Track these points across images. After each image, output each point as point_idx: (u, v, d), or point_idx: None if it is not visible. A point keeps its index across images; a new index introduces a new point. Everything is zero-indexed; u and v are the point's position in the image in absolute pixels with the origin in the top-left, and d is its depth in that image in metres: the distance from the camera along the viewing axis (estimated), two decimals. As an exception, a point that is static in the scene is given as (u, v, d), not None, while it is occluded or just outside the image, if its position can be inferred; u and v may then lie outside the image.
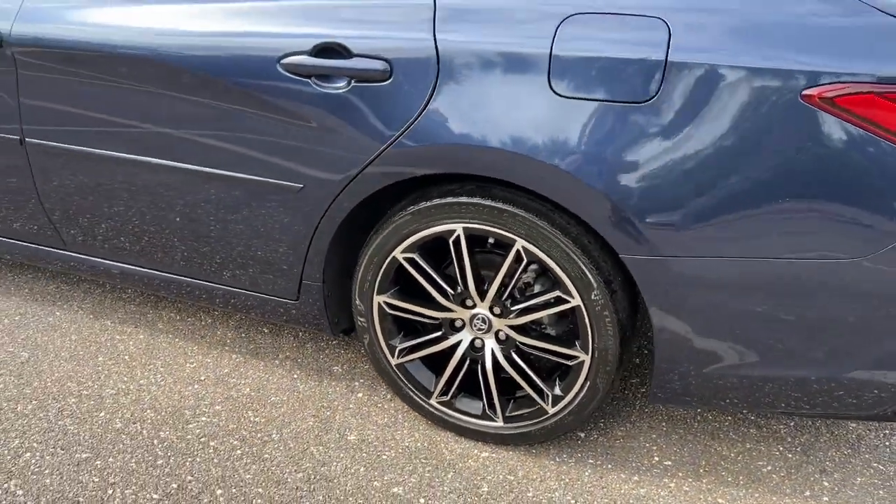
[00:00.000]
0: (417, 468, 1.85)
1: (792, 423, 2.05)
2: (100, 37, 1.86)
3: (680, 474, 1.86)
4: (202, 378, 2.18)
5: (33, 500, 1.74)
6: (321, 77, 1.66)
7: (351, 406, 2.07)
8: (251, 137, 1.76)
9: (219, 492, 1.78)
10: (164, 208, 1.99)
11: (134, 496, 1.76)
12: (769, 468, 1.89)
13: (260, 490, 1.78)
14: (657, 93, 1.44)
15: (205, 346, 2.34)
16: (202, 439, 1.94)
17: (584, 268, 1.61)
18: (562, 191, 1.54)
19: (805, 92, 1.37)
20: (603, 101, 1.47)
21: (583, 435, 1.98)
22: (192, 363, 2.25)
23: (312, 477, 1.82)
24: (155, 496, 1.77)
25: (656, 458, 1.91)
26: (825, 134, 1.39)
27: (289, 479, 1.81)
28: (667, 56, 1.43)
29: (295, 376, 2.19)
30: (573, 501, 1.76)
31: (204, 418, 2.02)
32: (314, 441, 1.94)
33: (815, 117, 1.38)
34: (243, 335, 2.40)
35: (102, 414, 2.03)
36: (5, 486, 1.78)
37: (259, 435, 1.96)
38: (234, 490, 1.78)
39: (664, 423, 2.04)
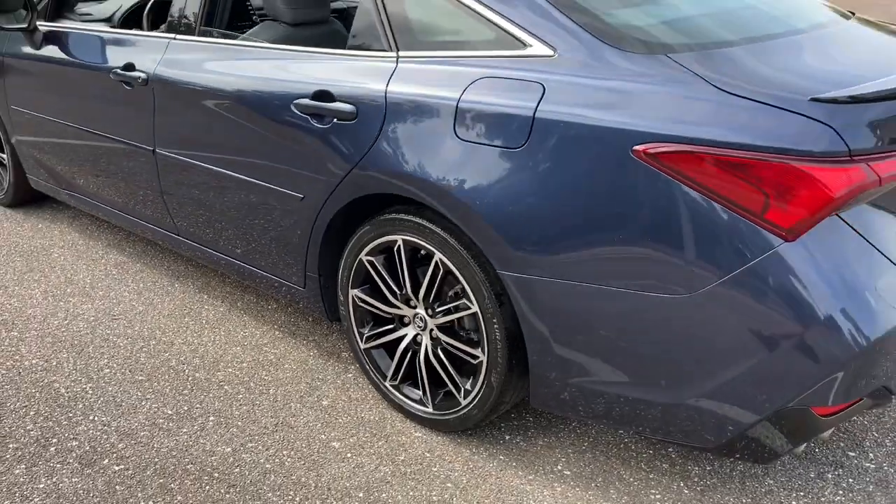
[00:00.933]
0: (360, 433, 2.28)
1: (708, 466, 2.17)
2: (203, 80, 2.58)
3: (572, 483, 2.09)
4: (245, 343, 2.80)
5: (96, 395, 2.44)
6: (314, 116, 2.22)
7: (338, 381, 2.55)
8: (280, 157, 2.36)
9: (211, 419, 2.35)
10: (225, 207, 2.65)
11: (154, 408, 2.39)
12: (659, 499, 2.05)
13: (239, 423, 2.33)
14: (526, 141, 1.80)
15: (262, 322, 2.96)
16: (220, 383, 2.54)
17: (479, 280, 1.97)
18: (460, 214, 1.93)
19: (635, 147, 1.66)
20: (489, 145, 1.86)
21: (507, 437, 2.28)
22: (245, 332, 2.88)
23: (281, 423, 2.33)
24: (168, 412, 2.38)
25: (559, 467, 2.16)
26: (649, 184, 1.66)
27: (263, 420, 2.34)
28: (535, 113, 1.79)
29: (311, 354, 2.72)
30: (465, 481, 2.08)
31: (230, 369, 2.62)
32: (296, 400, 2.45)
33: (643, 170, 1.66)
34: (291, 320, 2.98)
35: (167, 355, 2.72)
36: (82, 386, 2.50)
37: (260, 388, 2.51)
38: (222, 419, 2.34)
39: (587, 442, 2.27)
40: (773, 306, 1.62)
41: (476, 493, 2.06)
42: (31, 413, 2.43)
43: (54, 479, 2.13)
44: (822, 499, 2.06)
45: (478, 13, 2.00)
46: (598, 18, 1.92)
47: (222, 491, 2.08)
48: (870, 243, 1.68)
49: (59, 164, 3.47)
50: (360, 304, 2.35)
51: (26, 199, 4.11)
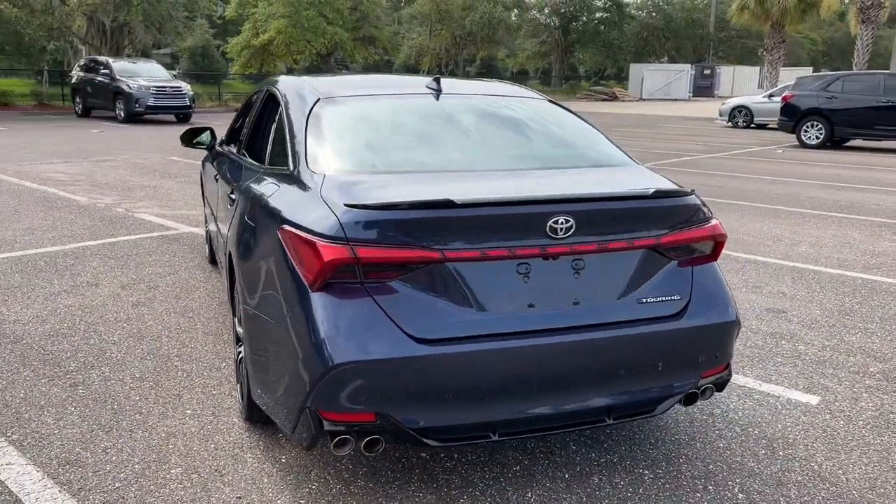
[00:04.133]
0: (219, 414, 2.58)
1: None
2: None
3: (302, 479, 2.38)
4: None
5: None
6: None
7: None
8: None
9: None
10: None
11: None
12: None
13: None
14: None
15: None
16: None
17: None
18: None
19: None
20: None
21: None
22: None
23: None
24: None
25: (314, 474, 2.45)
26: (280, 248, 2.68)
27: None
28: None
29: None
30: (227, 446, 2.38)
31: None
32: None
33: (278, 239, 2.65)
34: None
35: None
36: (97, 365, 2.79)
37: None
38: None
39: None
40: (300, 329, 2.43)
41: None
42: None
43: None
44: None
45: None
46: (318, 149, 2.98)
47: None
48: (378, 305, 2.40)
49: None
50: None
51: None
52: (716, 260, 2.92)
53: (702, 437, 3.26)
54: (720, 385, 2.98)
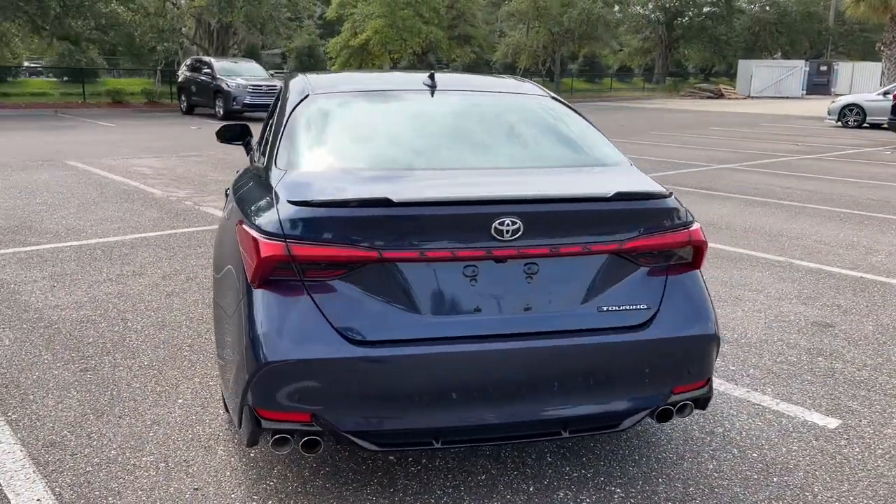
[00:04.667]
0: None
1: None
2: None
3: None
4: (180, 345, 3.16)
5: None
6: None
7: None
8: None
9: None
10: None
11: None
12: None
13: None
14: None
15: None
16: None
17: None
18: None
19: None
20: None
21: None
22: (186, 335, 3.24)
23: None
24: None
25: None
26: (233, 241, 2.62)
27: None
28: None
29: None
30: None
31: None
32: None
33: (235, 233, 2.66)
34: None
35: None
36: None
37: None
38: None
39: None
40: (242, 325, 2.41)
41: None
42: None
43: None
44: None
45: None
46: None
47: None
48: (315, 304, 2.36)
49: None
50: None
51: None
52: (697, 268, 2.72)
53: (691, 457, 3.05)
54: (701, 402, 2.78)
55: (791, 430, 3.30)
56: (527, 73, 47.69)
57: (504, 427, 2.53)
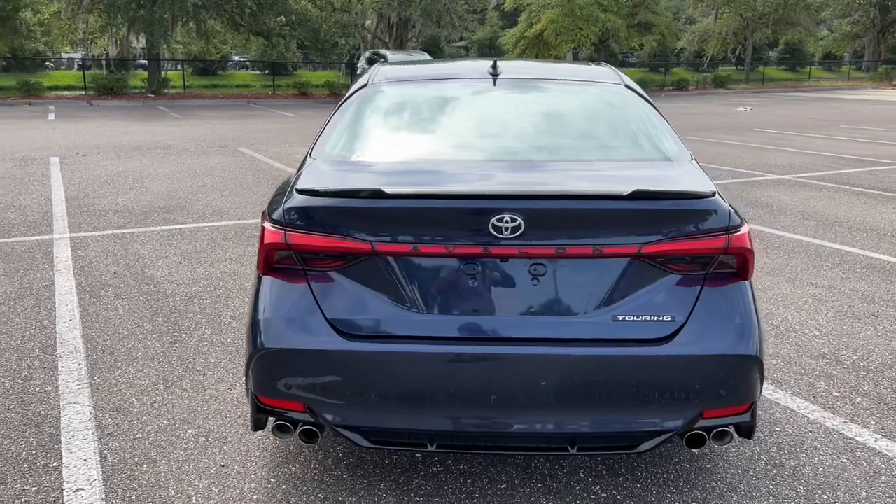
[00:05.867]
0: (251, 414, 2.64)
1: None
2: None
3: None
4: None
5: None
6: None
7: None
8: None
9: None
10: None
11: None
12: None
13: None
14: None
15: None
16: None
17: None
18: None
19: None
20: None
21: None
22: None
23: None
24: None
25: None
26: None
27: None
28: None
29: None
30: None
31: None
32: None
33: None
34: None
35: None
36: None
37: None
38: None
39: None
40: (250, 312, 2.46)
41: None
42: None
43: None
44: None
45: None
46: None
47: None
48: (312, 294, 2.35)
49: None
50: None
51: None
52: (746, 279, 2.40)
53: (746, 491, 2.70)
54: (745, 430, 2.46)
55: (882, 472, 2.84)
56: (714, 62, 45.04)
57: (504, 437, 2.38)
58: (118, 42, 27.61)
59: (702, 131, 16.54)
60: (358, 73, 25.68)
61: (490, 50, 50.80)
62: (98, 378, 3.61)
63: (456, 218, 2.28)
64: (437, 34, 35.59)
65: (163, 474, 2.79)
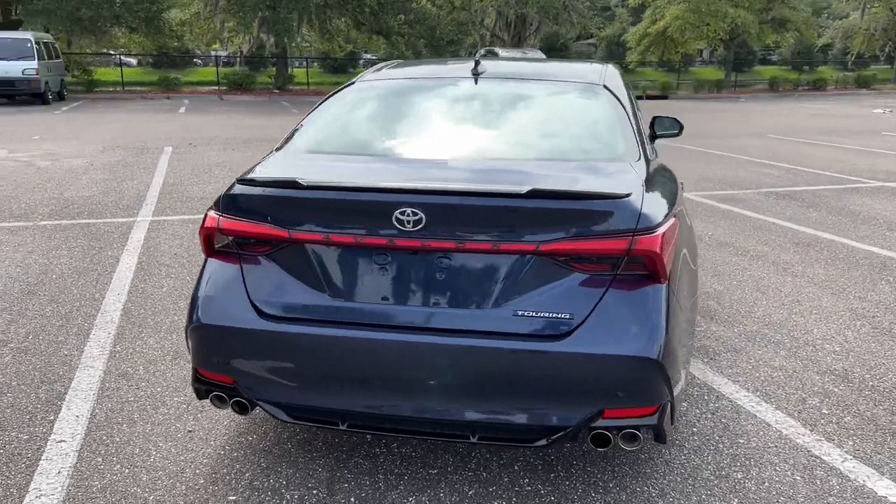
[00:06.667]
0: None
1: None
2: None
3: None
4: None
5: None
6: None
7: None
8: None
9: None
10: None
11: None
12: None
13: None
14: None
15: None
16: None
17: None
18: None
19: None
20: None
21: (286, 413, 2.65)
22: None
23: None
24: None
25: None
26: None
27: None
28: None
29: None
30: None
31: (186, 321, 3.40)
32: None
33: None
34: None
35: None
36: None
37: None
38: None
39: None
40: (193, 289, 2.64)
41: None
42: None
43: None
44: None
45: None
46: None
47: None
48: (242, 276, 2.55)
49: None
50: None
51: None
52: (661, 283, 2.37)
53: (671, 499, 2.66)
54: (658, 434, 2.43)
55: (833, 493, 2.70)
56: (860, 60, 42.03)
57: (408, 421, 2.48)
58: (250, 40, 29.30)
59: (823, 135, 15.63)
60: (472, 70, 25.88)
61: (617, 47, 49.66)
62: (119, 346, 3.99)
63: (364, 210, 2.40)
64: (558, 32, 35.27)
65: (136, 434, 3.09)
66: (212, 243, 2.63)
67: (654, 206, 2.44)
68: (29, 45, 21.07)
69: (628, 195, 2.37)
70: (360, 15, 27.65)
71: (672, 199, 2.68)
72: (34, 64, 20.90)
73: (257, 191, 2.51)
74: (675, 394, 2.42)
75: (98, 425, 3.15)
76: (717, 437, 3.09)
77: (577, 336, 2.30)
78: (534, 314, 2.33)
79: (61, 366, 3.74)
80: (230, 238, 2.57)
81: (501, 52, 23.97)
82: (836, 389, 3.56)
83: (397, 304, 2.42)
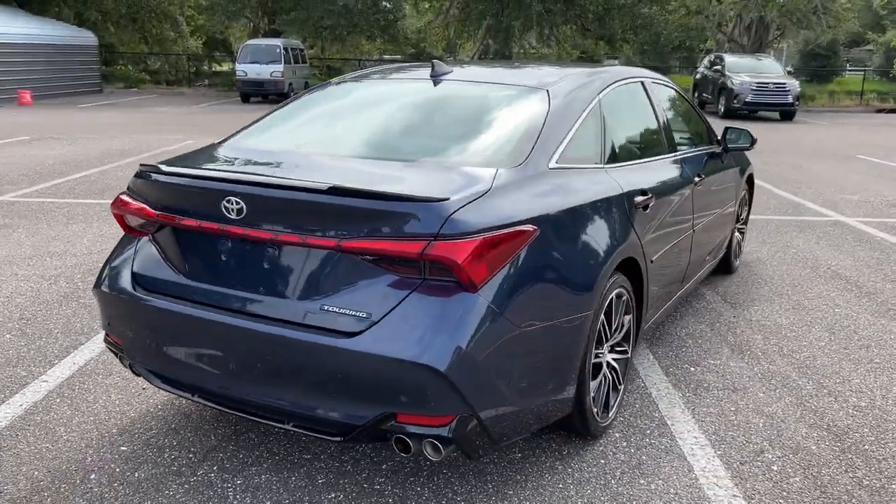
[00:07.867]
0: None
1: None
2: None
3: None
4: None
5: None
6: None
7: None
8: None
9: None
10: None
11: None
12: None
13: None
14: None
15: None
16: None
17: None
18: None
19: None
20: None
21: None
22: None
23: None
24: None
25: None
26: None
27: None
28: None
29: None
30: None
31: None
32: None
33: None
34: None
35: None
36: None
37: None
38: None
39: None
40: None
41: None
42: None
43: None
44: None
45: None
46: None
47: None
48: (134, 250, 2.84)
49: None
50: None
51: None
52: (471, 291, 2.27)
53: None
54: (464, 446, 2.34)
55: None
56: None
57: (235, 401, 2.61)
58: (479, 47, 30.39)
59: None
60: (696, 76, 24.52)
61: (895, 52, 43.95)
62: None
63: (201, 197, 2.58)
64: (807, 36, 32.13)
65: (110, 385, 3.55)
66: (121, 222, 2.93)
67: (481, 214, 2.34)
68: (278, 50, 23.86)
69: (443, 200, 2.30)
70: (585, 21, 27.45)
71: (542, 212, 2.54)
72: (280, 67, 23.62)
73: (144, 176, 2.79)
74: (480, 410, 2.31)
75: (83, 372, 3.67)
76: (619, 474, 2.82)
77: (368, 335, 2.29)
78: (335, 310, 2.36)
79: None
80: (123, 217, 2.87)
81: (728, 57, 22.44)
82: (813, 447, 3.06)
83: (226, 287, 2.57)
